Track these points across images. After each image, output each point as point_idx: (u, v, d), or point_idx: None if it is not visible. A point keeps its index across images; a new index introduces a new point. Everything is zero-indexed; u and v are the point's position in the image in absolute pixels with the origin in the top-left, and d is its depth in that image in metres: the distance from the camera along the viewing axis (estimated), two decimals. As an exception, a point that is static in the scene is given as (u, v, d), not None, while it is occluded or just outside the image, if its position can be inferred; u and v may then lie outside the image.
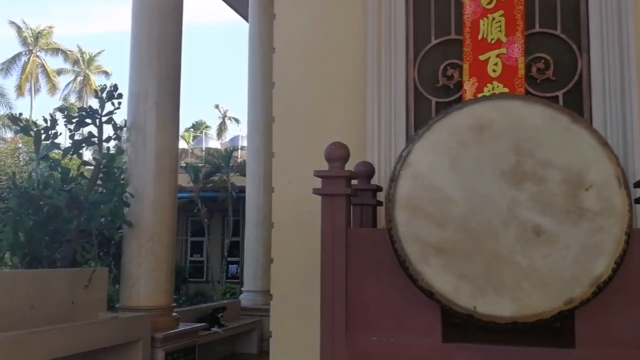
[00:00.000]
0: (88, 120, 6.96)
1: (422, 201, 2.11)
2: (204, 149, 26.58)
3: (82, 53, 41.52)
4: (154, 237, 7.17)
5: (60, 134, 6.87)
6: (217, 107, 45.54)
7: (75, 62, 41.89)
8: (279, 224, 3.65)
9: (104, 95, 7.13)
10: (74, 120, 6.87)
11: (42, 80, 39.61)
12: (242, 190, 20.89)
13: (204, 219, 17.21)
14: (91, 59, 42.15)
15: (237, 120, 45.55)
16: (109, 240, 7.31)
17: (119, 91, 7.22)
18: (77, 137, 7.06)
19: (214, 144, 31.26)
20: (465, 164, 2.09)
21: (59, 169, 6.57)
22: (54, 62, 40.90)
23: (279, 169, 3.68)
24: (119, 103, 7.22)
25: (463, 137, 2.12)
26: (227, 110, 45.80)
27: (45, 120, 6.61)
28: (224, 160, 17.82)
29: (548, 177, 2.01)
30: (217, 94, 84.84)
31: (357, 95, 3.57)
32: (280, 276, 3.63)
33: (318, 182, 3.60)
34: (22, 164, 19.38)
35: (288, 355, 3.55)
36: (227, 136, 40.48)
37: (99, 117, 7.06)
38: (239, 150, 23.42)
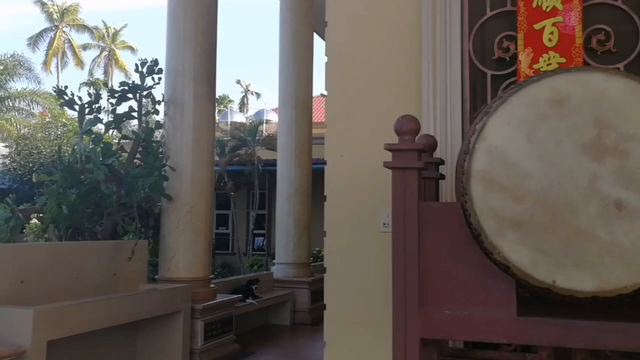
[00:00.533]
0: (129, 95, 7.01)
1: (498, 174, 2.10)
2: (229, 123, 26.59)
3: (107, 28, 41.62)
4: (192, 210, 7.25)
5: (104, 108, 6.90)
6: (238, 82, 45.47)
7: (100, 38, 42.03)
8: (331, 197, 3.66)
9: (144, 69, 7.16)
10: (116, 95, 6.91)
11: (69, 56, 39.81)
12: (268, 163, 20.94)
13: (230, 192, 17.28)
14: (116, 34, 42.24)
15: (258, 94, 45.57)
16: (147, 213, 7.39)
17: (159, 66, 7.24)
18: (118, 112, 7.08)
19: (239, 117, 31.27)
20: (543, 137, 2.07)
21: (101, 143, 6.63)
22: (80, 38, 41.07)
23: (332, 142, 3.67)
24: (159, 78, 7.25)
25: (541, 110, 2.09)
26: (249, 85, 45.73)
27: (89, 94, 6.66)
28: (250, 134, 17.84)
29: (630, 151, 1.98)
30: (236, 68, 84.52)
31: (411, 69, 3.54)
32: (333, 249, 3.64)
33: (371, 156, 3.61)
34: (51, 137, 19.54)
35: (342, 327, 3.58)
36: (250, 110, 40.47)
37: (139, 91, 7.10)
38: (264, 124, 23.42)
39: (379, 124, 3.60)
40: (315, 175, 10.88)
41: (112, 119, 6.91)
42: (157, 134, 7.66)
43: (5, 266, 5.20)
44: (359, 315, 3.57)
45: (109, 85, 8.01)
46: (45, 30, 38.84)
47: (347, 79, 3.68)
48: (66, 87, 6.62)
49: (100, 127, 6.99)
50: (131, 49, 42.74)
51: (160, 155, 7.22)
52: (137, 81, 7.23)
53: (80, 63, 40.99)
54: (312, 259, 11.31)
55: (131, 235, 7.07)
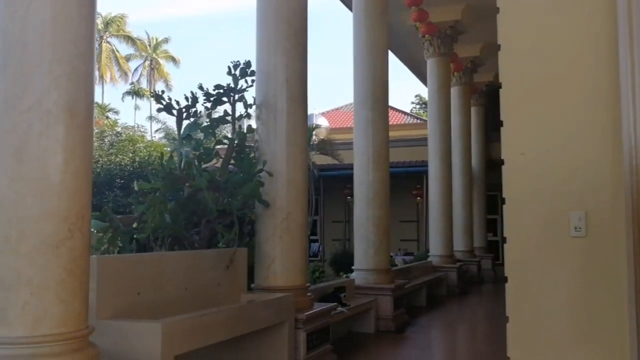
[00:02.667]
0: (224, 99, 6.82)
1: None
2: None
3: (150, 40, 42.05)
4: (289, 217, 7.03)
5: (201, 112, 6.72)
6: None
7: (143, 49, 42.47)
8: (511, 199, 3.37)
9: (237, 72, 6.96)
10: (211, 99, 6.73)
11: (115, 67, 40.28)
12: (322, 169, 20.68)
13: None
14: (158, 44, 42.62)
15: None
16: (241, 220, 7.17)
17: (251, 68, 7.04)
18: (214, 116, 6.88)
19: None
20: None
21: (201, 149, 6.44)
22: (123, 49, 41.55)
23: (510, 140, 3.38)
24: (252, 80, 7.05)
25: None
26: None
27: (186, 98, 6.49)
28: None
29: None
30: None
31: (603, 54, 3.23)
32: (515, 257, 3.35)
33: (558, 153, 3.31)
34: (106, 147, 19.60)
35: (528, 342, 3.28)
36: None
37: (233, 94, 6.91)
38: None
39: (565, 118, 3.31)
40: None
41: (207, 124, 6.71)
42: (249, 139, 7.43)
43: (123, 278, 5.02)
44: (548, 329, 3.27)
45: (204, 88, 7.80)
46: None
47: (524, 69, 3.39)
48: (163, 92, 6.46)
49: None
50: (173, 59, 43.11)
51: (254, 161, 7.00)
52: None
53: (124, 75, 41.47)
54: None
55: (222, 244, 6.86)
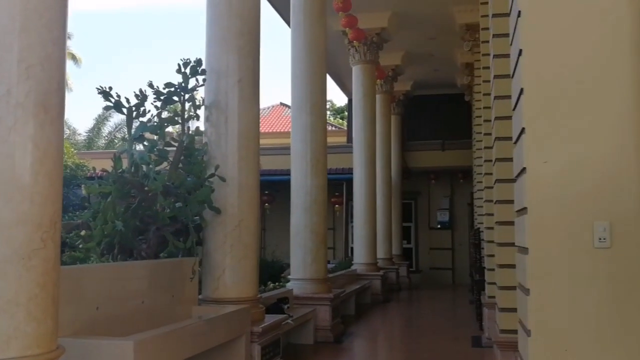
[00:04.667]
0: (175, 98, 6.40)
1: None
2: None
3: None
4: (241, 224, 6.69)
5: (149, 110, 6.24)
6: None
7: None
8: (534, 209, 3.24)
9: (188, 70, 6.56)
10: (162, 97, 6.29)
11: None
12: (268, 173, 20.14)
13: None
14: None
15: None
16: (186, 227, 6.76)
17: (202, 66, 6.66)
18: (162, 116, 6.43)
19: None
20: None
21: (155, 150, 6.00)
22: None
23: (533, 147, 3.26)
24: (204, 79, 6.67)
25: None
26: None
27: (136, 96, 6.03)
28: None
29: None
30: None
31: (630, 60, 3.17)
32: (537, 268, 3.22)
33: (583, 162, 3.22)
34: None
35: (551, 356, 3.16)
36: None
37: (183, 93, 6.51)
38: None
39: (590, 126, 3.22)
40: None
41: (156, 124, 6.25)
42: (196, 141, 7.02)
43: (79, 289, 4.55)
44: (572, 340, 3.16)
45: (154, 86, 7.29)
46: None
47: (548, 74, 3.28)
48: (110, 87, 5.96)
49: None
50: (74, 58, 40.96)
51: (203, 165, 6.63)
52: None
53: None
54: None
55: (165, 254, 6.43)
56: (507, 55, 5.92)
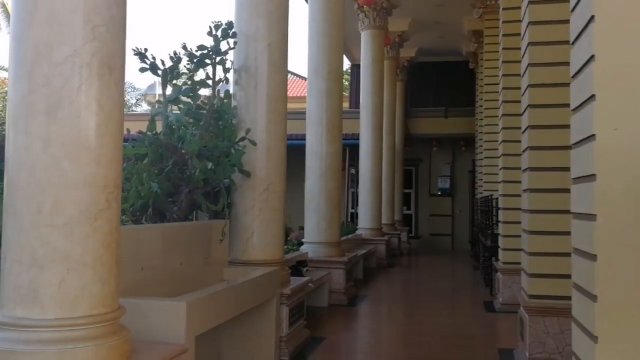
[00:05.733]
0: (207, 61, 6.37)
1: None
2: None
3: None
4: (269, 188, 6.74)
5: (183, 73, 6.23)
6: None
7: None
8: (602, 176, 3.27)
9: (219, 33, 6.52)
10: (194, 60, 6.25)
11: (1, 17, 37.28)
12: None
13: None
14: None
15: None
16: (218, 190, 6.80)
17: (233, 29, 6.62)
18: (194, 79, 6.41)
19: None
20: None
21: (190, 113, 5.99)
22: None
23: (603, 113, 3.27)
24: (234, 42, 6.62)
25: None
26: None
27: (171, 58, 5.99)
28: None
29: None
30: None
31: None
32: (605, 236, 3.24)
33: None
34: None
35: (618, 321, 3.21)
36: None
37: (214, 56, 6.47)
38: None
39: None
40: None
41: (189, 86, 6.23)
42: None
43: (130, 250, 4.57)
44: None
45: (188, 48, 7.24)
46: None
47: (619, 38, 3.27)
48: (146, 49, 5.92)
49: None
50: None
51: (233, 128, 6.63)
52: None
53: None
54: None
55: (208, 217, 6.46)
56: (548, 23, 5.97)
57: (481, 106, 16.54)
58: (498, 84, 14.14)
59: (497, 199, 11.06)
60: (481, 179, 16.27)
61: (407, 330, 8.05)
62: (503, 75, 9.26)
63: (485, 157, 15.03)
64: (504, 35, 9.18)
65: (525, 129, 6.20)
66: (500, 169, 9.57)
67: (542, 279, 5.84)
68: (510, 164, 9.11)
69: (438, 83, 21.63)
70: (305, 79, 35.03)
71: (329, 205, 9.95)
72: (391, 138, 17.94)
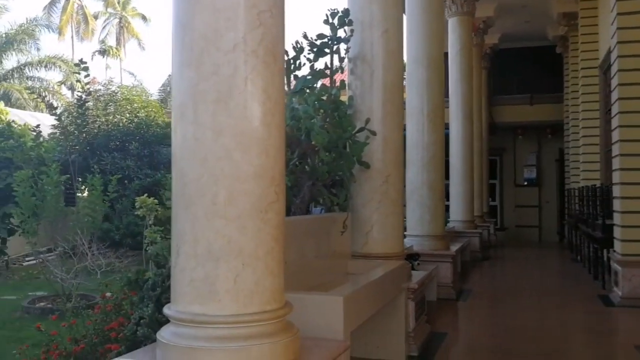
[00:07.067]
0: (327, 50, 6.23)
1: None
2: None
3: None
4: (388, 180, 6.56)
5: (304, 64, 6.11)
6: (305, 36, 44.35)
7: (110, 5, 40.58)
8: None
9: (335, 21, 6.37)
10: (314, 49, 6.13)
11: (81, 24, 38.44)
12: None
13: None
14: (126, 1, 40.79)
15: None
16: (333, 182, 6.66)
17: (349, 17, 6.46)
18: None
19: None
20: None
21: (316, 104, 5.87)
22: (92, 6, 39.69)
23: None
24: (351, 30, 6.47)
25: None
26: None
27: (294, 48, 5.89)
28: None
29: None
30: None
31: None
32: None
33: None
34: (100, 106, 18.45)
35: None
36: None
37: (332, 45, 6.33)
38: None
39: None
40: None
41: (310, 77, 6.11)
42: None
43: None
44: None
45: (309, 38, 7.12)
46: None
47: None
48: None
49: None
50: (143, 17, 41.39)
51: (349, 119, 6.47)
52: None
53: (89, 32, 39.62)
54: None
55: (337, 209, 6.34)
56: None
57: (575, 91, 15.92)
58: (597, 67, 13.59)
59: (606, 187, 10.58)
60: (576, 167, 15.68)
61: (527, 325, 7.72)
62: (618, 56, 8.79)
63: (583, 145, 14.46)
64: (620, 14, 8.70)
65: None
66: (614, 157, 9.12)
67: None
68: (628, 151, 8.66)
69: (522, 69, 20.92)
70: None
71: (433, 197, 9.71)
72: (477, 127, 17.47)
